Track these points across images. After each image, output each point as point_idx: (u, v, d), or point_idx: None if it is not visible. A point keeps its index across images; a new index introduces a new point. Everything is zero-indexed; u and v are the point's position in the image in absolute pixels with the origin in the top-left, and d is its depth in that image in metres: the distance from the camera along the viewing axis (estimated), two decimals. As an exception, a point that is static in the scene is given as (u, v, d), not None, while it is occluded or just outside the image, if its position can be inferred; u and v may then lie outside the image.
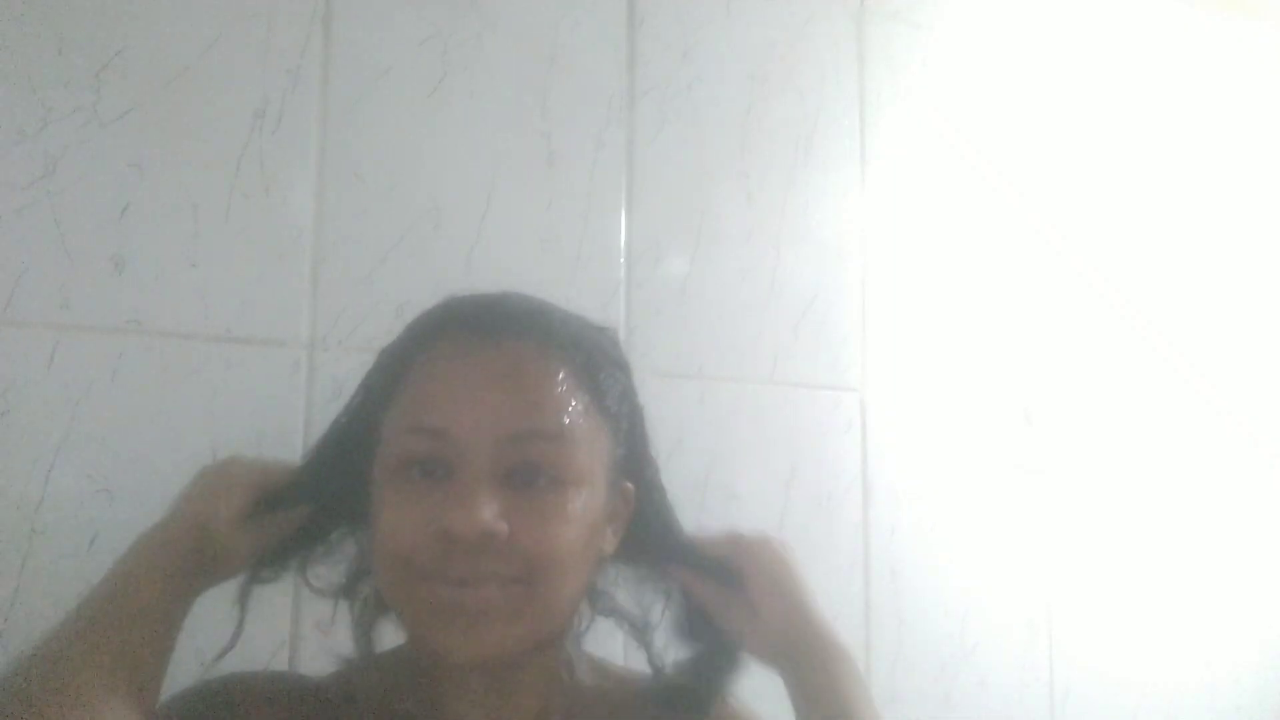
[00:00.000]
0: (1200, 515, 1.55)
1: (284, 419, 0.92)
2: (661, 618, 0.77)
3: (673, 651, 0.76)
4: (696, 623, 0.76)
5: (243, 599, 0.70)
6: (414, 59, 1.02)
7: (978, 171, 1.39)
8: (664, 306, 1.13)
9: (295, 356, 0.94)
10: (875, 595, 1.22)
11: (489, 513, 0.57)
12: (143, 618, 0.61)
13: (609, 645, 1.04)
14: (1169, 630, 1.49)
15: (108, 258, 0.87)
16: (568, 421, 0.61)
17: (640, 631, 0.76)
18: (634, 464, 0.70)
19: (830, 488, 1.21)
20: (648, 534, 0.72)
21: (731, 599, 0.73)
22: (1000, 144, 1.42)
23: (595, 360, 0.65)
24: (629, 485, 0.69)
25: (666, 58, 1.17)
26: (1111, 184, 1.52)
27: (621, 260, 1.12)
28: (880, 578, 1.23)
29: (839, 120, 1.28)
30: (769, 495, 1.17)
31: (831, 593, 1.20)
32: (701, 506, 1.09)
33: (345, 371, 0.95)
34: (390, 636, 0.70)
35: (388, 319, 0.97)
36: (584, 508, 0.62)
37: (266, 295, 0.93)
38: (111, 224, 0.87)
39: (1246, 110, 1.69)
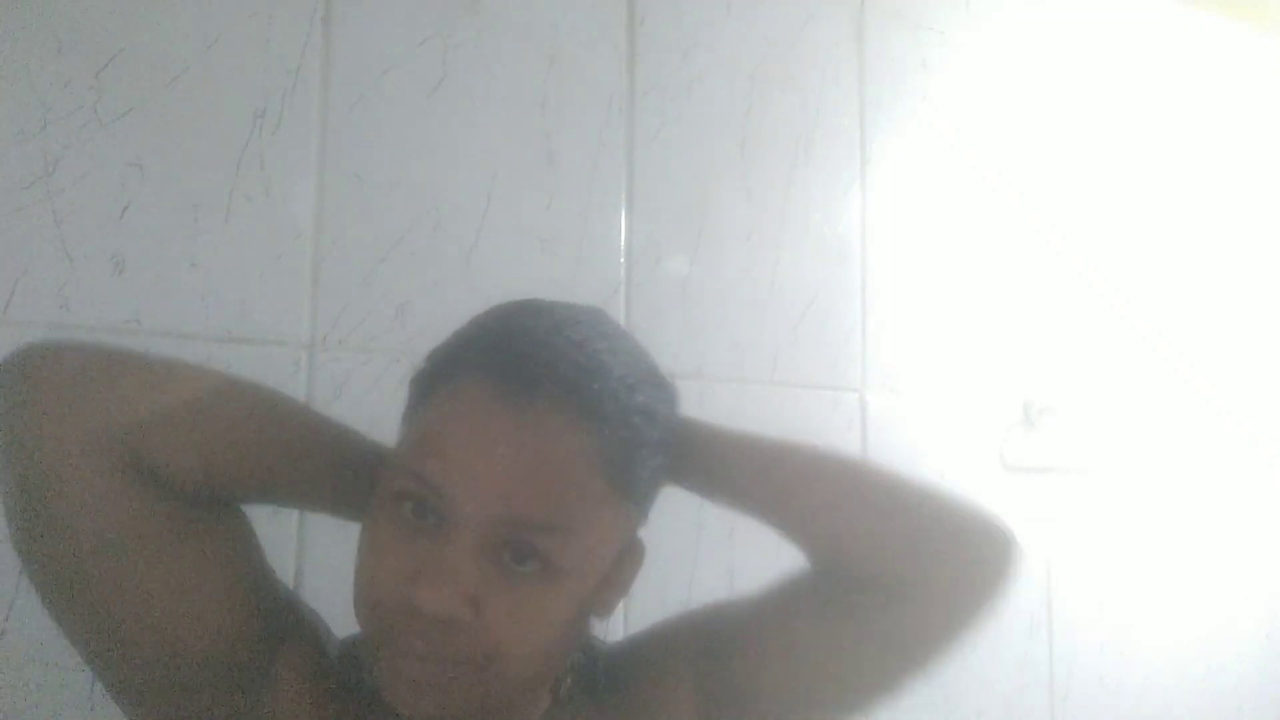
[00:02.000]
0: (1200, 515, 1.55)
1: (284, 419, 0.92)
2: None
3: None
4: None
5: None
6: (414, 59, 1.02)
7: (978, 171, 1.39)
8: (664, 306, 1.13)
9: (295, 356, 0.94)
10: (875, 595, 1.22)
11: (460, 596, 0.53)
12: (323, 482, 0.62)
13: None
14: (1169, 630, 1.49)
15: (108, 258, 0.87)
16: (581, 514, 0.55)
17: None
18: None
19: (830, 488, 1.21)
20: None
21: None
22: (1000, 144, 1.42)
23: (636, 439, 0.58)
24: (639, 541, 0.64)
25: (666, 58, 1.17)
26: (1111, 184, 1.52)
27: (621, 260, 1.12)
28: (880, 578, 1.23)
29: (839, 120, 1.28)
30: (769, 495, 1.17)
31: (831, 593, 1.21)
32: (701, 507, 1.09)
33: (345, 371, 0.95)
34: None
35: (388, 319, 0.98)
36: (571, 598, 0.57)
37: (266, 295, 0.93)
38: (111, 224, 0.87)
39: (1246, 109, 1.69)
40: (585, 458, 0.55)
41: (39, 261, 0.84)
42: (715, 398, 1.15)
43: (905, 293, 1.31)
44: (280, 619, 0.63)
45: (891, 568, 0.64)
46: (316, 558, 0.91)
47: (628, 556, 0.62)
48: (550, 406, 0.55)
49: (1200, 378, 1.57)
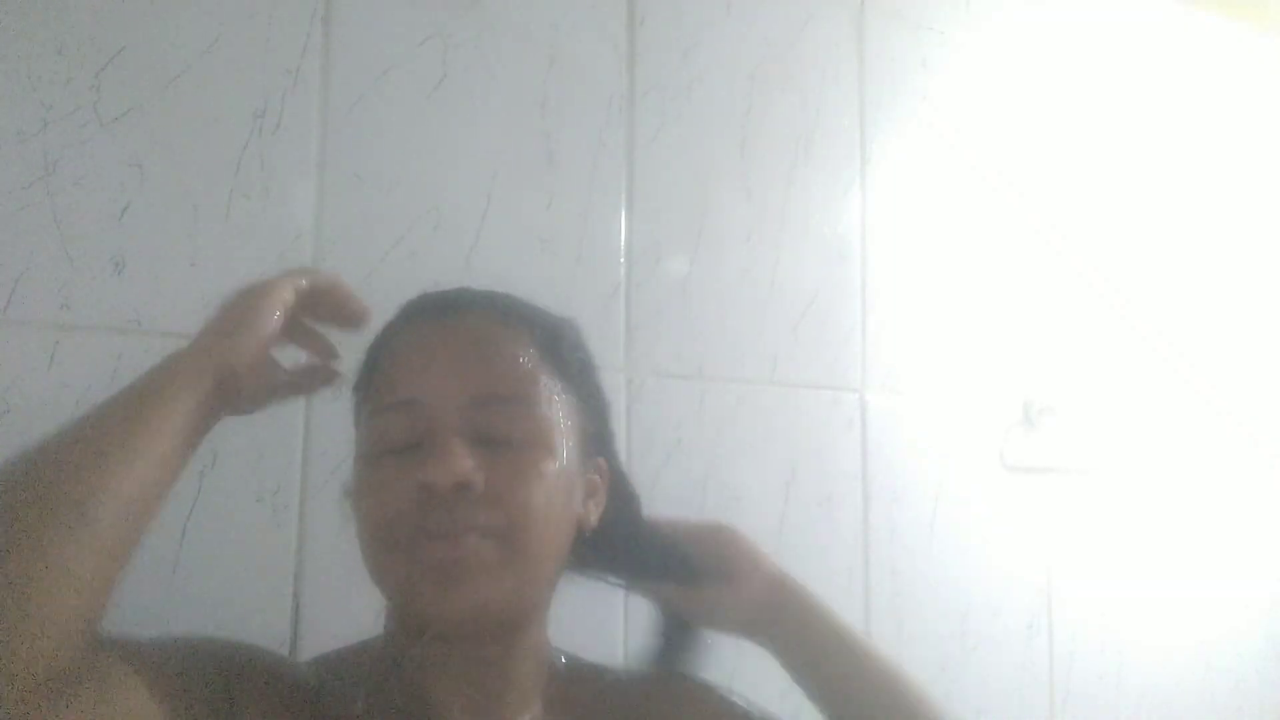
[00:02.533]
0: (1200, 516, 1.55)
1: (283, 419, 0.92)
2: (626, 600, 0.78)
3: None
4: (660, 609, 0.78)
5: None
6: (414, 59, 1.02)
7: (978, 171, 1.39)
8: (664, 306, 1.13)
9: (295, 356, 0.93)
10: (875, 595, 1.22)
11: (463, 464, 0.60)
12: (158, 436, 0.55)
13: (610, 641, 1.04)
14: (1169, 630, 1.49)
15: (108, 258, 0.87)
16: (531, 389, 0.65)
17: (630, 585, 0.79)
18: (604, 444, 0.72)
19: (830, 488, 1.21)
20: (615, 517, 0.73)
21: (698, 582, 0.75)
22: (1000, 144, 1.42)
23: (555, 337, 0.69)
24: (602, 461, 0.71)
25: (666, 58, 1.17)
26: (1111, 184, 1.52)
27: (621, 260, 1.12)
28: (880, 578, 1.23)
29: (839, 120, 1.28)
30: (769, 495, 1.17)
31: (831, 593, 1.20)
32: (701, 507, 1.09)
33: (344, 371, 0.95)
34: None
35: (388, 319, 0.98)
36: (555, 471, 0.64)
37: (266, 295, 0.93)
38: (111, 224, 0.87)
39: (1246, 109, 1.69)
40: (513, 344, 0.66)
41: (39, 261, 0.84)
42: (715, 398, 1.15)
43: (905, 293, 1.31)
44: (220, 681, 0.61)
45: None
46: (317, 560, 0.91)
47: (596, 471, 0.70)
48: (479, 316, 0.67)
49: (1200, 378, 1.57)
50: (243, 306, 0.62)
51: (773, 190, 1.22)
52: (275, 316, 0.62)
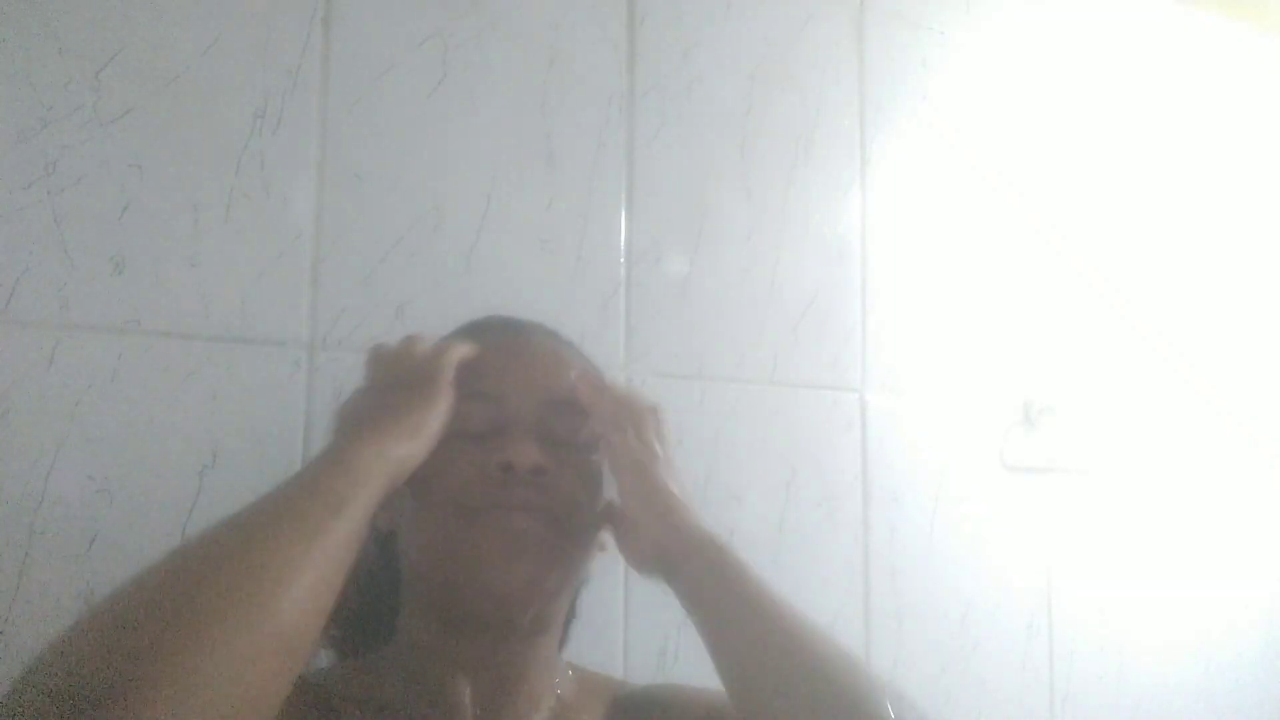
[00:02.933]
0: (1200, 516, 1.55)
1: (284, 419, 0.92)
2: None
3: None
4: None
5: None
6: (414, 59, 1.02)
7: (978, 171, 1.39)
8: (664, 306, 1.13)
9: (295, 356, 0.94)
10: (875, 595, 1.22)
11: (541, 453, 0.67)
12: (336, 540, 0.55)
13: (610, 650, 1.04)
14: (1169, 630, 1.49)
15: (108, 258, 0.87)
16: (587, 400, 0.73)
17: None
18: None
19: (830, 488, 1.21)
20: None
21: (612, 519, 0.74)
22: (1000, 144, 1.42)
23: (593, 368, 0.79)
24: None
25: (666, 58, 1.17)
26: (1111, 184, 1.52)
27: (621, 260, 1.12)
28: (880, 578, 1.23)
29: (839, 120, 1.28)
30: (769, 495, 1.17)
31: (832, 593, 1.21)
32: (702, 507, 1.09)
33: (345, 371, 0.95)
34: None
35: (388, 319, 0.98)
36: (600, 477, 0.73)
37: (266, 295, 0.93)
38: (111, 224, 0.87)
39: (1246, 110, 1.69)
40: (576, 363, 0.76)
41: (39, 261, 0.84)
42: (715, 398, 1.15)
43: (905, 293, 1.31)
44: None
45: None
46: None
47: (610, 514, 0.74)
48: (542, 335, 0.78)
49: (1200, 378, 1.57)
50: (422, 402, 0.66)
51: (773, 190, 1.22)
52: (446, 415, 0.67)
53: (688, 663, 1.00)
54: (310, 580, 0.52)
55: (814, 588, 1.18)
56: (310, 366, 0.94)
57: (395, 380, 0.68)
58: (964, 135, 1.38)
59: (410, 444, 0.64)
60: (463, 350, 0.71)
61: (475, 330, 0.77)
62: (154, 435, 0.87)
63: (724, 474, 1.14)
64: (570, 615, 0.79)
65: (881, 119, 1.31)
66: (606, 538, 0.75)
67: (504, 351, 0.74)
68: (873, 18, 1.32)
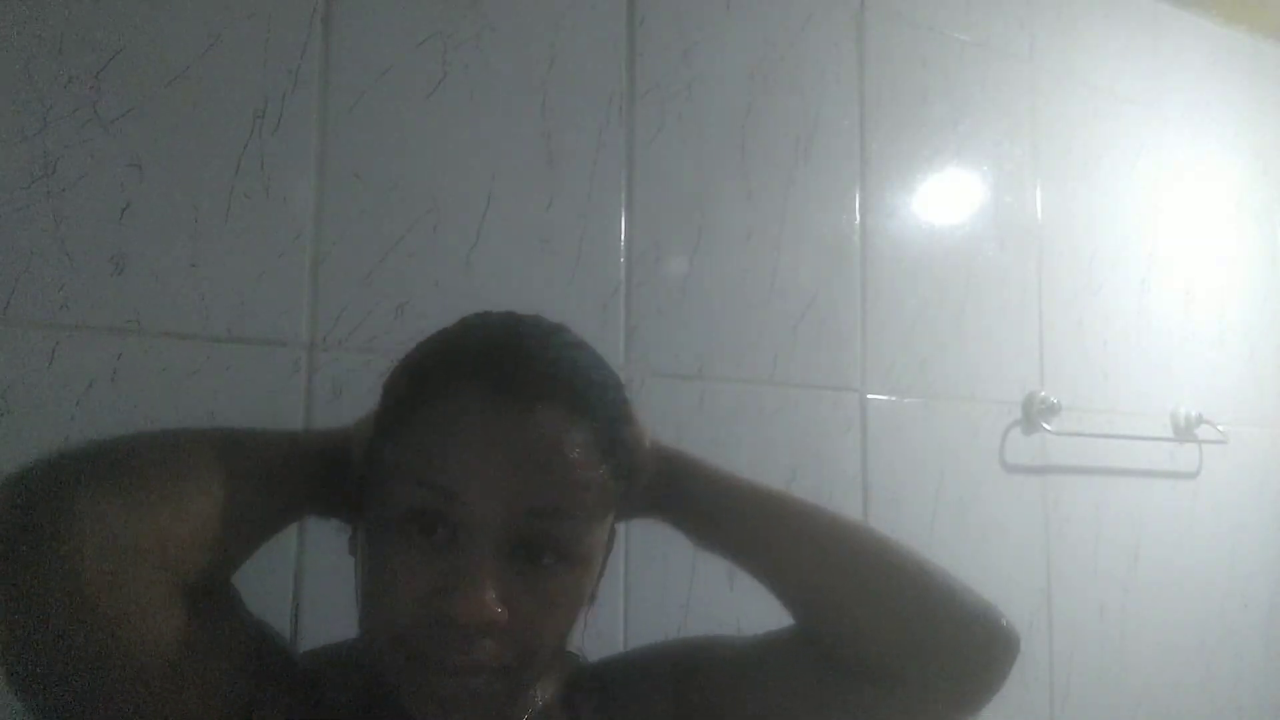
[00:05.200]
0: (1200, 515, 1.55)
1: (284, 419, 0.92)
2: None
3: None
4: None
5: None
6: (414, 59, 1.02)
7: (978, 171, 1.39)
8: (664, 306, 1.13)
9: (295, 356, 0.94)
10: (875, 595, 1.22)
11: (492, 597, 0.54)
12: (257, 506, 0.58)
13: (610, 641, 1.04)
14: (1169, 630, 1.49)
15: (108, 258, 0.87)
16: (586, 499, 0.58)
17: None
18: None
19: (830, 488, 1.21)
20: None
21: None
22: (1000, 143, 1.41)
23: (616, 419, 0.61)
24: (614, 526, 0.65)
25: (666, 58, 1.17)
26: (1111, 184, 1.52)
27: (621, 260, 1.11)
28: (880, 578, 1.23)
29: (839, 120, 1.28)
30: (769, 495, 1.17)
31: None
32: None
33: (345, 371, 0.95)
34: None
35: (388, 319, 0.98)
36: (583, 585, 0.59)
37: (266, 295, 0.93)
38: (111, 224, 0.87)
39: (1246, 111, 1.69)
40: (584, 448, 0.58)
41: (39, 261, 0.84)
42: (715, 398, 1.15)
43: (905, 293, 1.31)
44: (265, 676, 0.60)
45: (883, 651, 0.62)
46: (317, 560, 0.91)
47: (611, 540, 0.65)
48: (548, 405, 0.57)
49: (1200, 378, 1.57)
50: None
51: (773, 190, 1.22)
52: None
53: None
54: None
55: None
56: (310, 366, 0.94)
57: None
58: (963, 135, 1.38)
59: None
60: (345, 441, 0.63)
61: (459, 370, 0.58)
62: (154, 435, 0.87)
63: (724, 474, 1.14)
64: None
65: (881, 119, 1.31)
66: (598, 586, 0.64)
67: (477, 436, 0.56)
68: (873, 18, 1.32)
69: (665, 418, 1.11)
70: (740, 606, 0.80)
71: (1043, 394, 1.38)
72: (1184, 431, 1.52)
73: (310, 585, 0.91)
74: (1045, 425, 1.36)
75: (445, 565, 0.55)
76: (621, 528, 0.69)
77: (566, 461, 0.57)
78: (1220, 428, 1.53)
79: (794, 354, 1.21)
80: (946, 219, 1.36)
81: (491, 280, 1.03)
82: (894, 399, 1.28)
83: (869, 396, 1.26)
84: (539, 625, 0.57)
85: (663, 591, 1.08)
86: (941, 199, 1.36)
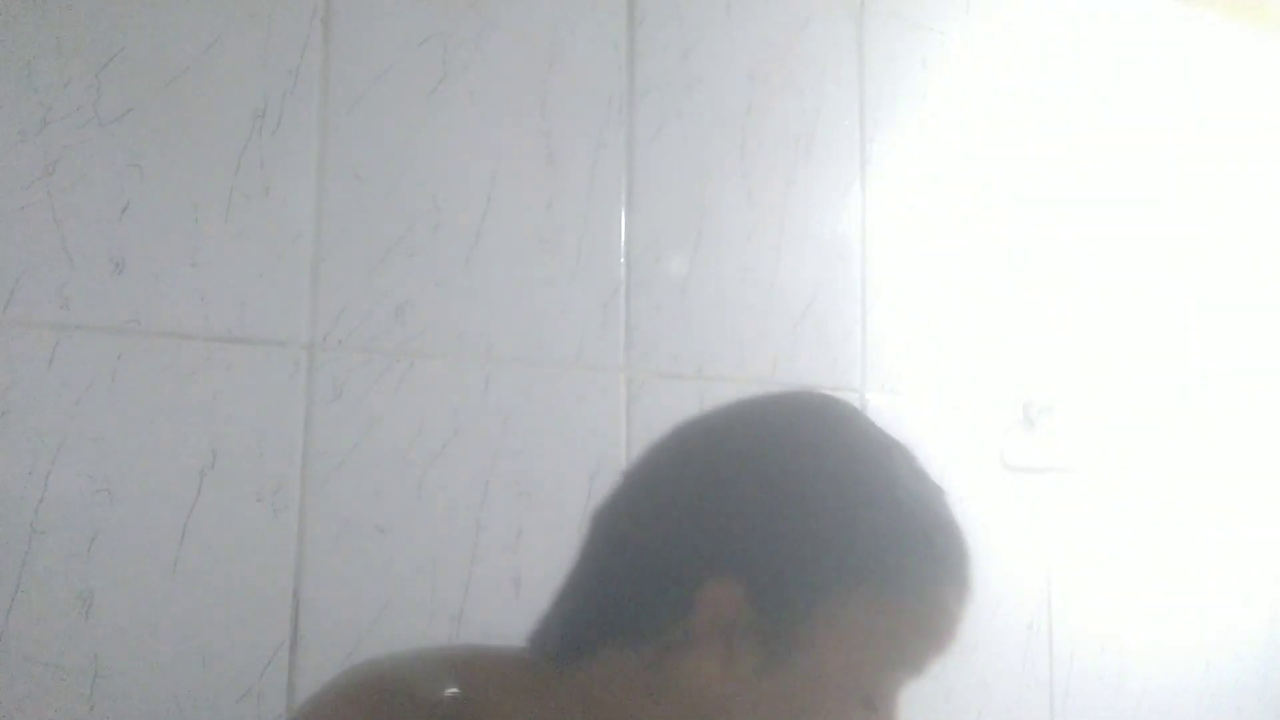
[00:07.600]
0: (1200, 516, 1.55)
1: (284, 419, 0.92)
2: None
3: None
4: None
5: None
6: (414, 59, 1.02)
7: (978, 171, 1.39)
8: (664, 306, 1.13)
9: (295, 356, 0.94)
10: (875, 595, 1.22)
11: None
12: None
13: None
14: (1169, 630, 1.49)
15: (108, 258, 0.87)
16: None
17: None
18: None
19: (830, 488, 1.21)
20: None
21: None
22: (1000, 143, 1.41)
23: None
24: None
25: (666, 58, 1.17)
26: (1111, 184, 1.52)
27: (621, 260, 1.12)
28: (880, 578, 1.23)
29: (839, 120, 1.28)
30: (769, 495, 1.17)
31: (831, 593, 1.20)
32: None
33: (345, 371, 0.95)
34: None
35: (388, 319, 0.98)
36: None
37: (266, 295, 0.93)
38: (111, 224, 0.87)
39: (1246, 109, 1.69)
40: None
41: (39, 261, 0.84)
42: (715, 398, 1.14)
43: (905, 293, 1.31)
44: None
45: None
46: (317, 560, 0.91)
47: None
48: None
49: (1200, 378, 1.57)
50: None
51: (773, 190, 1.22)
52: None
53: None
54: None
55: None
56: (310, 366, 0.94)
57: None
58: (964, 135, 1.38)
59: None
60: None
61: (938, 575, 0.63)
62: (154, 435, 0.87)
63: (724, 474, 1.14)
64: None
65: (881, 119, 1.31)
66: None
67: (945, 645, 0.63)
68: (873, 18, 1.32)
69: (665, 418, 1.11)
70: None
71: (1043, 394, 1.38)
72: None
73: (310, 586, 0.91)
74: (1045, 425, 1.36)
75: None
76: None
77: None
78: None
79: (794, 354, 1.21)
80: (946, 218, 1.35)
81: (491, 280, 1.03)
82: (894, 399, 1.28)
83: (869, 396, 1.26)
84: None
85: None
86: (941, 199, 1.35)
